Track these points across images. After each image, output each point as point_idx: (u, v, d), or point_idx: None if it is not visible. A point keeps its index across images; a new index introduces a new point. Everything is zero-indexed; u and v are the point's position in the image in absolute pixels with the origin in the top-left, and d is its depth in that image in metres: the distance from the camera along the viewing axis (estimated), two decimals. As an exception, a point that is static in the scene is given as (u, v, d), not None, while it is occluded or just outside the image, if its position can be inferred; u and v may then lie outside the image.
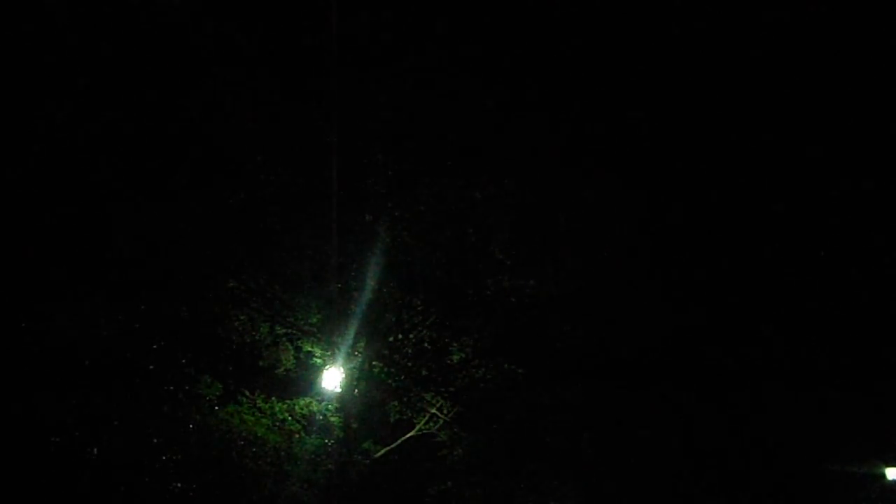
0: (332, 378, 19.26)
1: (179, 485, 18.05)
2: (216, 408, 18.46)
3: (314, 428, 19.15)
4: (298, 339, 19.54)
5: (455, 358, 20.08)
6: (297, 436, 18.94)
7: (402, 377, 19.54)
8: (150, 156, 18.29)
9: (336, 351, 19.09)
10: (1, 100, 17.68)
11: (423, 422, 20.55)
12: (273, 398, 19.11)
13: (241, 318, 19.22)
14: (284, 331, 19.50)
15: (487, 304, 19.74)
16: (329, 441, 19.14)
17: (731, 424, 23.42)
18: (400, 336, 19.64)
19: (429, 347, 19.66)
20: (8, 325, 17.35)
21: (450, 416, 20.52)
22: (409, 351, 19.60)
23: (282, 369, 19.76)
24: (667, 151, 22.04)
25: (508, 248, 19.74)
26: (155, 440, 17.88)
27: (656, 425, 22.26)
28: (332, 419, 19.10)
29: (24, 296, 17.42)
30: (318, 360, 19.48)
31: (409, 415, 20.48)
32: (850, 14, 22.77)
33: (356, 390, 19.44)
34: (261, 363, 19.65)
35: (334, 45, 18.92)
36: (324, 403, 19.21)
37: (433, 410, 20.48)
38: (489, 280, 19.77)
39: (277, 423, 18.85)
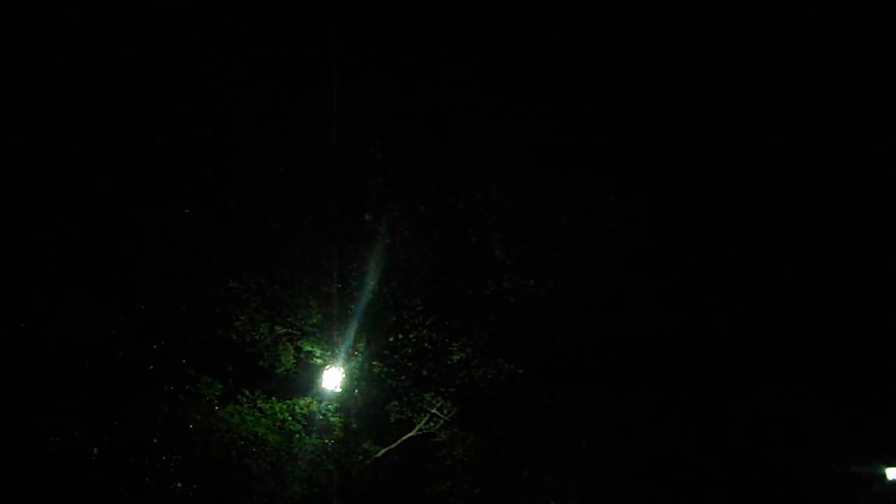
0: (332, 378, 19.27)
1: (179, 485, 18.06)
2: (216, 408, 18.49)
3: (314, 428, 19.17)
4: (298, 339, 19.55)
5: (455, 358, 20.07)
6: (297, 436, 18.95)
7: (402, 377, 19.54)
8: (150, 156, 18.29)
9: (336, 351, 19.09)
10: (1, 100, 17.70)
11: (423, 422, 20.56)
12: (273, 398, 19.13)
13: (241, 318, 19.22)
14: (284, 331, 19.50)
15: (487, 304, 19.73)
16: (329, 441, 19.15)
17: (731, 424, 23.41)
18: (400, 336, 19.62)
19: (429, 347, 19.64)
20: (8, 325, 17.35)
21: (450, 416, 20.53)
22: (409, 351, 19.58)
23: (282, 369, 19.76)
24: (667, 152, 22.04)
25: (508, 248, 19.73)
26: (155, 440, 17.88)
27: (656, 425, 22.24)
28: (332, 419, 19.11)
29: (24, 296, 17.43)
30: (318, 360, 19.49)
31: (409, 415, 20.49)
32: (850, 14, 22.78)
33: (356, 390, 19.43)
34: (261, 363, 19.67)
35: (335, 45, 18.94)
36: (324, 403, 19.22)
37: (433, 410, 20.48)
38: (489, 280, 19.76)
39: (277, 423, 18.86)
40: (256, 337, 19.44)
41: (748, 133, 23.41)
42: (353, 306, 18.98)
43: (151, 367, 18.13)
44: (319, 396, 19.33)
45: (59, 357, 17.44)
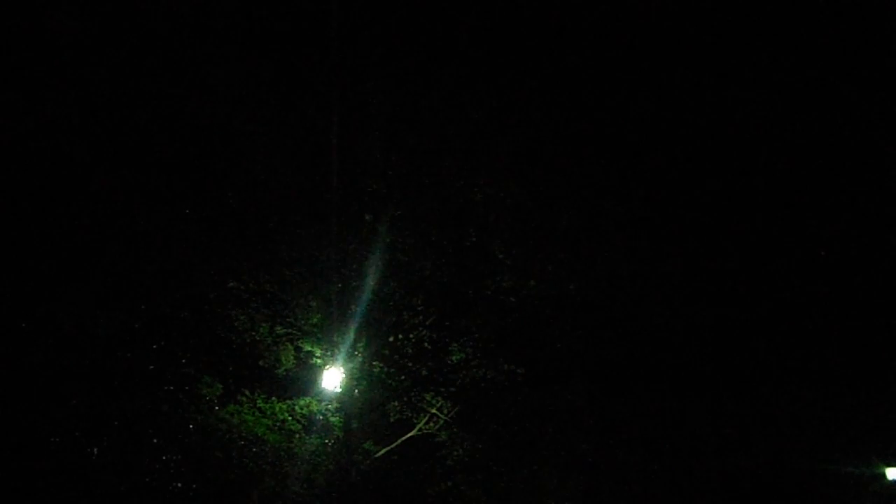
0: (332, 378, 19.26)
1: (179, 485, 18.05)
2: (216, 408, 18.48)
3: (314, 428, 19.18)
4: (298, 339, 19.55)
5: (455, 358, 20.08)
6: (297, 436, 18.97)
7: (402, 377, 19.55)
8: (149, 156, 18.29)
9: (336, 351, 19.09)
10: (1, 100, 17.69)
11: (423, 422, 20.55)
12: (273, 398, 19.13)
13: (241, 318, 19.21)
14: (284, 331, 19.50)
15: (487, 304, 19.74)
16: (329, 441, 19.16)
17: (730, 424, 23.43)
18: (400, 336, 19.63)
19: (429, 347, 19.66)
20: (8, 325, 17.34)
21: (450, 416, 20.53)
22: (409, 351, 19.59)
23: (282, 369, 19.75)
24: (667, 151, 22.04)
25: (508, 248, 19.73)
26: (155, 440, 17.88)
27: (656, 425, 22.26)
28: (332, 419, 19.12)
29: (24, 296, 17.42)
30: (318, 360, 19.48)
31: (409, 415, 20.49)
32: (850, 14, 22.78)
33: (356, 390, 19.44)
34: (261, 363, 19.65)
35: (335, 44, 18.92)
36: (324, 403, 19.23)
37: (433, 410, 20.48)
38: (489, 280, 19.77)
39: (277, 423, 18.87)
40: (256, 337, 19.43)
41: (749, 132, 23.43)
42: (353, 306, 18.98)
43: (151, 367, 18.10)
44: (319, 396, 19.33)
45: (59, 357, 17.42)
